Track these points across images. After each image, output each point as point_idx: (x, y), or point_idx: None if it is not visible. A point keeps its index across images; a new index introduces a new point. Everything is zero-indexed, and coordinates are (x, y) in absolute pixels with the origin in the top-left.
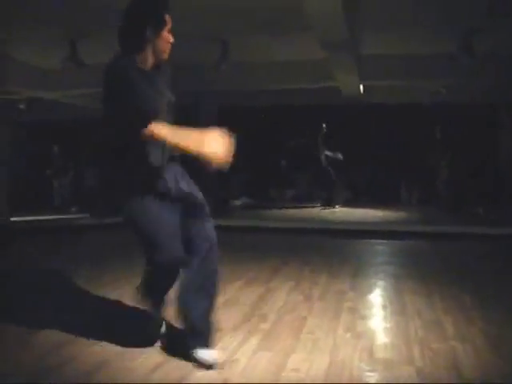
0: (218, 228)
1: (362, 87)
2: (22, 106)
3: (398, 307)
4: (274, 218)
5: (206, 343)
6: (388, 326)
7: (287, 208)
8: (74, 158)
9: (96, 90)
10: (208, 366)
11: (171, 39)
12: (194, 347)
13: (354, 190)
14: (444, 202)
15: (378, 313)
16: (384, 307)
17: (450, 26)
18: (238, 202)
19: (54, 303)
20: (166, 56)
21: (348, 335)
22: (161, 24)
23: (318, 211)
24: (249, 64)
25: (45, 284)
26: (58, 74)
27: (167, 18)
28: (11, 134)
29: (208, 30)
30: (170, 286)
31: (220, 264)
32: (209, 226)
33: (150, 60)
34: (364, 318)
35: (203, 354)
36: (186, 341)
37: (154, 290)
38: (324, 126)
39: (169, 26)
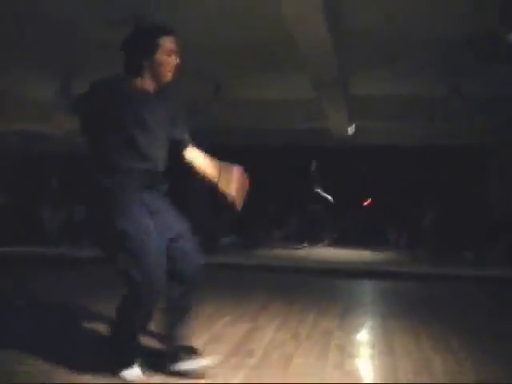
0: (204, 265)
1: (352, 128)
2: (14, 139)
3: (385, 347)
4: (261, 257)
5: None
6: (376, 365)
7: (275, 247)
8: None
9: None
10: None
11: (171, 61)
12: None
13: (341, 230)
14: (430, 246)
15: (366, 352)
16: (372, 346)
17: (440, 68)
18: (225, 240)
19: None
20: (166, 79)
21: (336, 374)
22: (152, 49)
23: (306, 251)
24: (240, 103)
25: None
26: (51, 107)
27: (163, 42)
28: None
29: (199, 68)
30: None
31: (206, 300)
32: (193, 257)
33: (151, 84)
34: (352, 356)
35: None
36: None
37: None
38: (314, 162)
39: (167, 49)
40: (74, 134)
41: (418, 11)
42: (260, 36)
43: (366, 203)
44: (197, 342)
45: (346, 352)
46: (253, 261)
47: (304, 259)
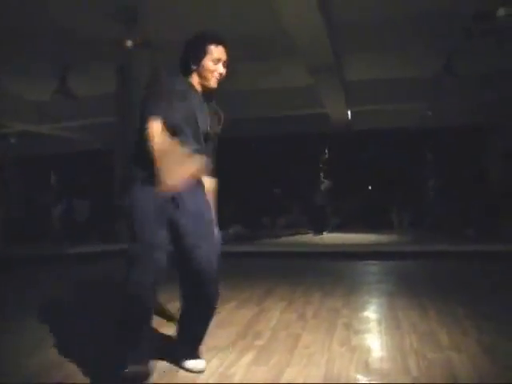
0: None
1: (349, 113)
2: (12, 140)
3: (392, 322)
4: (265, 244)
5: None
6: (383, 339)
7: (279, 235)
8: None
9: (86, 122)
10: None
11: (216, 69)
12: (184, 358)
13: (343, 216)
14: (432, 223)
15: (372, 328)
16: (378, 322)
17: (432, 48)
18: (230, 231)
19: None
20: (211, 84)
21: (343, 349)
22: (200, 55)
23: (309, 237)
24: (236, 92)
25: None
26: (49, 107)
27: (211, 49)
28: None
29: None
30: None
31: None
32: (206, 258)
33: (198, 86)
34: (358, 332)
35: (191, 363)
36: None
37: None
38: (326, 151)
39: (213, 56)
40: (69, 132)
41: None
42: (256, 26)
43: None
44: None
45: (352, 329)
46: (257, 248)
47: (307, 244)
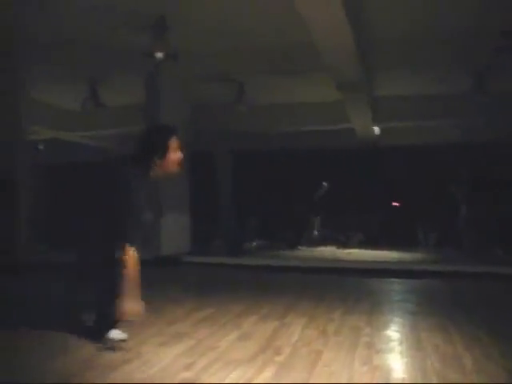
0: (232, 266)
1: (376, 129)
2: (40, 147)
3: (414, 342)
4: (288, 258)
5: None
6: (404, 360)
7: (301, 249)
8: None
9: (115, 131)
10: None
11: (178, 156)
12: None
13: (368, 232)
14: (465, 241)
15: (394, 348)
16: (400, 342)
17: (463, 64)
18: (252, 244)
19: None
20: (175, 170)
21: (364, 368)
22: (165, 151)
23: (332, 251)
24: (264, 106)
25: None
26: (78, 115)
27: (171, 142)
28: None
29: (224, 71)
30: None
31: (234, 300)
32: None
33: (161, 174)
34: (380, 352)
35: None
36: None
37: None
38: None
39: (174, 147)
40: (98, 141)
41: (438, 10)
42: (284, 40)
43: (395, 204)
44: (225, 341)
45: (374, 348)
46: (278, 262)
47: (330, 260)
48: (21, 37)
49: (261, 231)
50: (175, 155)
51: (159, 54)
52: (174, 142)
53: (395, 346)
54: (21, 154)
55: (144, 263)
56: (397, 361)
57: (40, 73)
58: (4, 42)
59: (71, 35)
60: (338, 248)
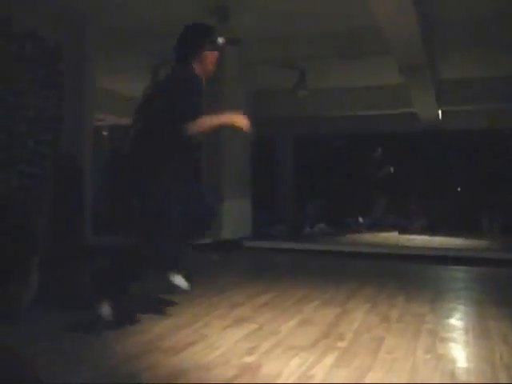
0: (294, 252)
1: (440, 113)
2: (105, 133)
3: (480, 332)
4: (349, 244)
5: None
6: (471, 349)
7: (363, 233)
8: None
9: None
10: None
11: (214, 56)
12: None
13: (431, 217)
14: None
15: (459, 336)
16: (466, 331)
17: None
18: (314, 229)
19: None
20: (211, 72)
21: (428, 356)
22: (200, 49)
23: (394, 237)
24: (325, 90)
25: None
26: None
27: (208, 41)
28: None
29: (285, 56)
30: None
31: (295, 285)
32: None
33: (200, 74)
34: (445, 340)
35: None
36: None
37: None
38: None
39: (209, 58)
40: None
41: None
42: (345, 24)
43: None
44: (286, 326)
45: (438, 336)
46: (340, 247)
47: (392, 246)
48: (91, 24)
49: (322, 216)
50: (212, 54)
51: (221, 40)
52: (210, 55)
53: (460, 334)
54: (87, 141)
55: (205, 247)
56: (462, 350)
57: (106, 61)
58: (73, 31)
59: (136, 23)
60: (400, 233)
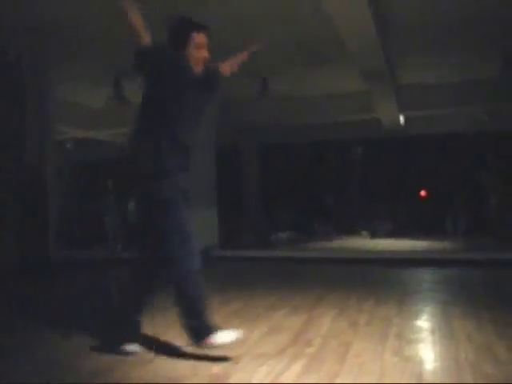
0: (262, 259)
1: (402, 118)
2: (68, 146)
3: (446, 332)
4: (318, 249)
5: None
6: (437, 350)
7: (330, 239)
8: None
9: None
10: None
11: (202, 55)
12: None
13: (396, 221)
14: (495, 229)
15: (425, 338)
16: (432, 332)
17: (487, 50)
18: (281, 235)
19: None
20: (198, 68)
21: (396, 359)
22: (183, 44)
23: (361, 242)
24: (287, 98)
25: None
26: (104, 113)
27: (193, 37)
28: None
29: (247, 65)
30: None
31: (264, 293)
32: None
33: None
34: (412, 342)
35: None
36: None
37: None
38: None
39: (196, 43)
40: (124, 138)
41: None
42: (307, 32)
43: (421, 194)
44: (255, 334)
45: (405, 338)
46: (307, 254)
47: (359, 251)
48: (48, 37)
49: (289, 223)
50: (198, 52)
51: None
52: (197, 38)
53: (427, 335)
54: (49, 154)
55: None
56: (429, 351)
57: (66, 72)
58: (32, 44)
59: (95, 33)
60: (366, 238)
